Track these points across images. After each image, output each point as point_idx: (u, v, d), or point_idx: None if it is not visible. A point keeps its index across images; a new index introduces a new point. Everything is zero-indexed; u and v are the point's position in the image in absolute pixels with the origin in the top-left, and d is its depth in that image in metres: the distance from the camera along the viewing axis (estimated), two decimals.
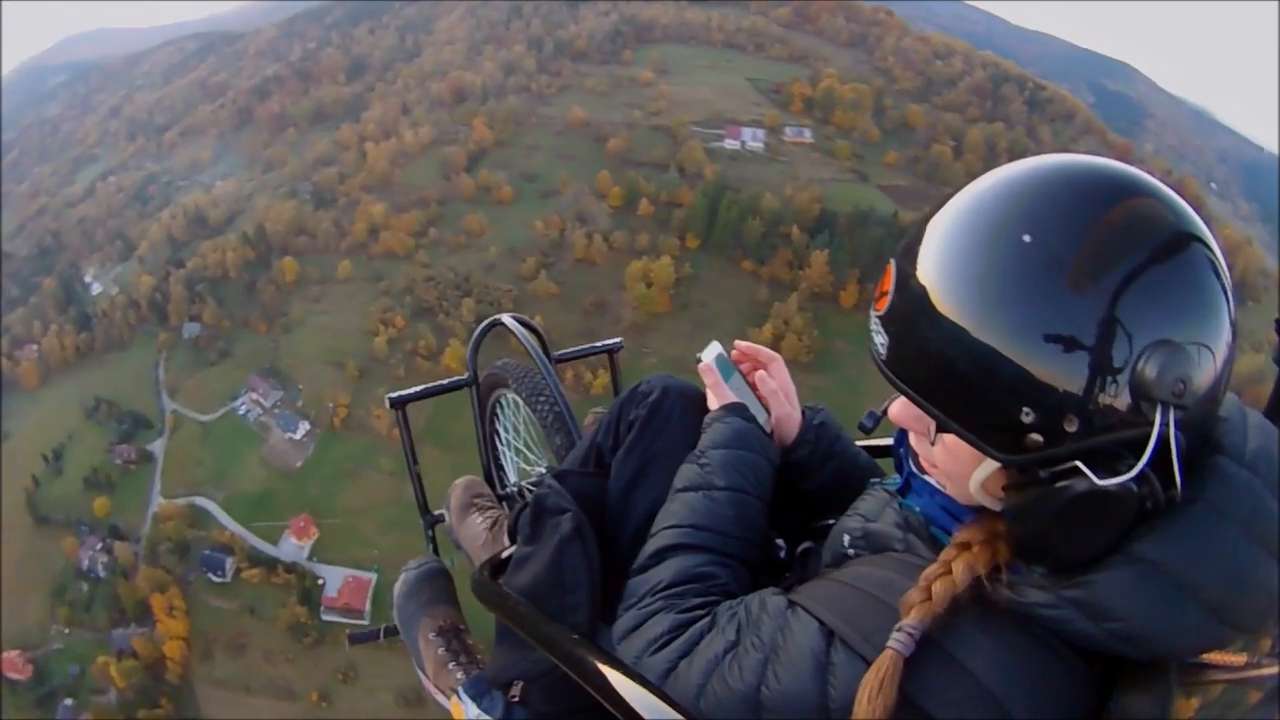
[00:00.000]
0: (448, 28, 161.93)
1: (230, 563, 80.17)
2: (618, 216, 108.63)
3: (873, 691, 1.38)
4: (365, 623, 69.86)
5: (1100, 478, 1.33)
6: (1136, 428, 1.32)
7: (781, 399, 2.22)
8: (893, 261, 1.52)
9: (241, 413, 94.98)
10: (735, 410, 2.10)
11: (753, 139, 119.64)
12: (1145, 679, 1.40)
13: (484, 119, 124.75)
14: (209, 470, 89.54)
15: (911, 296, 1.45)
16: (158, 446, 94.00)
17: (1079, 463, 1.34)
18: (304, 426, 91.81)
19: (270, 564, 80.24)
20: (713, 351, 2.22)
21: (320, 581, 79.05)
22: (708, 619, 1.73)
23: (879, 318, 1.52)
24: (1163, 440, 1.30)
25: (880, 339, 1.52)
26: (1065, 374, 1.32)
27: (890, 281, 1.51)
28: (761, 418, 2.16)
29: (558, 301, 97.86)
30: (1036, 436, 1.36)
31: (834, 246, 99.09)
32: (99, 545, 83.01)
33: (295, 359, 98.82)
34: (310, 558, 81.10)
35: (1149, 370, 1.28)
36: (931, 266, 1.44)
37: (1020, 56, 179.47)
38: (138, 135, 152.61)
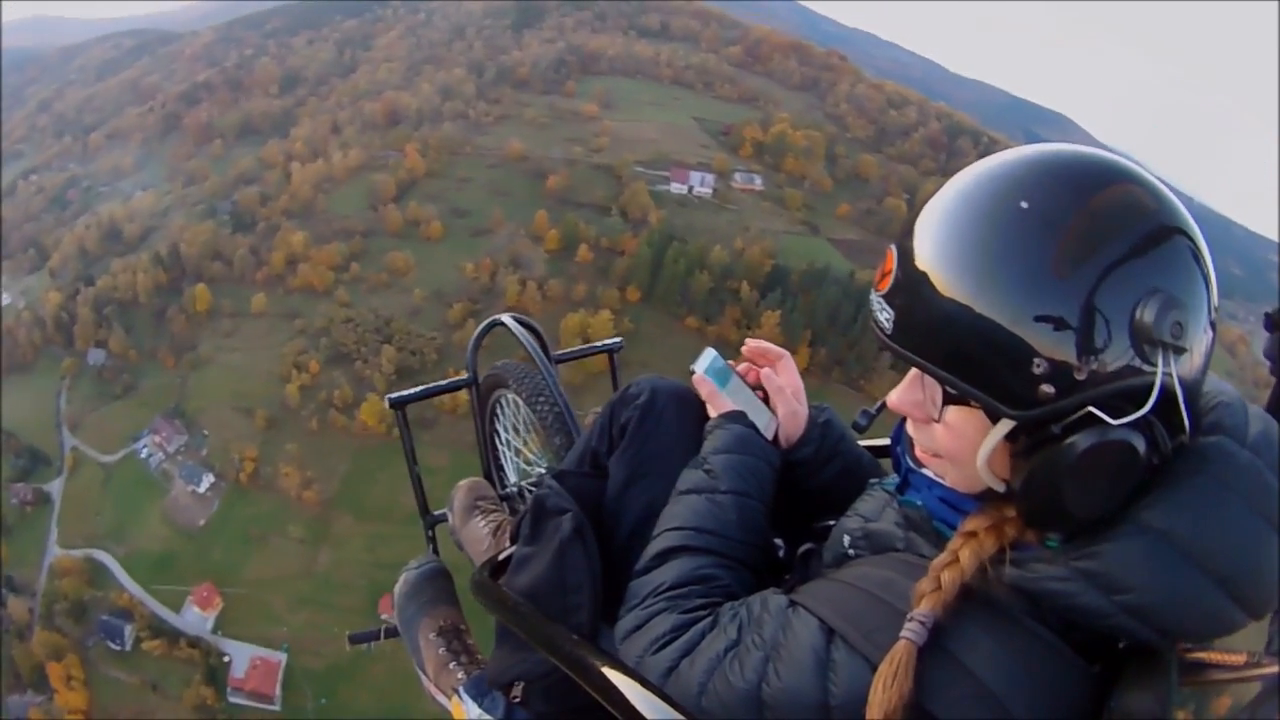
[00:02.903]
0: (386, 45, 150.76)
1: (130, 630, 71.50)
2: (554, 262, 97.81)
3: (887, 680, 1.37)
4: (276, 709, 68.12)
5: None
6: (1140, 375, 1.33)
7: (788, 396, 2.15)
8: (893, 245, 1.52)
9: (143, 456, 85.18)
10: (734, 418, 2.05)
11: (701, 184, 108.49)
12: (1145, 677, 1.38)
13: (417, 145, 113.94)
14: (108, 521, 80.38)
15: (914, 270, 1.45)
16: (56, 488, 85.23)
17: (1092, 408, 1.34)
18: (208, 479, 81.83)
19: (172, 635, 71.18)
20: (706, 359, 2.13)
21: (226, 659, 70.60)
22: (710, 619, 1.70)
23: (882, 296, 1.51)
24: (1165, 388, 1.32)
25: (885, 315, 1.50)
26: (1071, 320, 1.32)
27: (892, 261, 1.51)
28: (764, 420, 2.09)
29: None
30: (1048, 388, 1.35)
31: (786, 306, 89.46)
32: None
33: (202, 400, 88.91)
34: (215, 630, 72.17)
35: (1147, 314, 1.30)
36: (932, 240, 1.44)
37: (955, 103, 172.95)
38: (64, 133, 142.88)
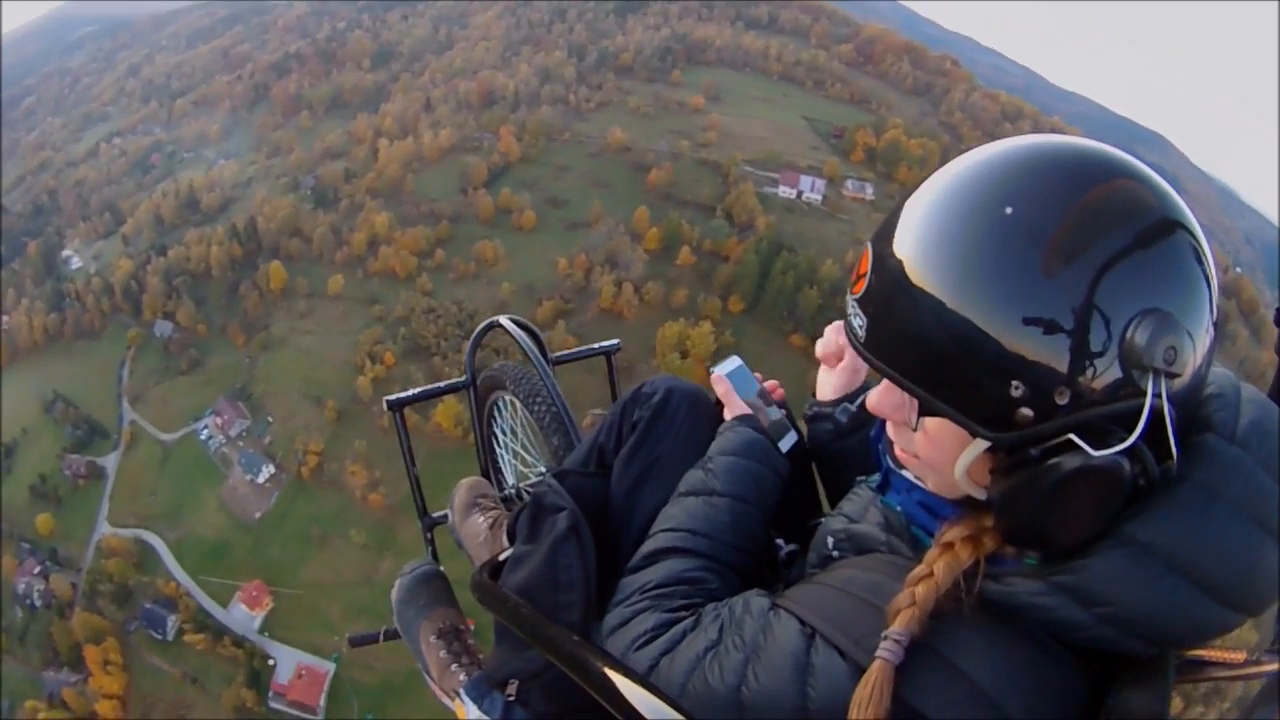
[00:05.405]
0: (484, 23, 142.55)
1: (173, 621, 68.06)
2: (654, 263, 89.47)
3: (863, 702, 1.32)
4: (318, 719, 64.34)
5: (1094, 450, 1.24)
6: (1128, 399, 1.25)
7: (847, 363, 2.12)
8: (869, 244, 1.43)
9: (203, 437, 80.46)
10: (747, 420, 2.02)
11: (811, 189, 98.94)
12: (1144, 675, 1.33)
13: (512, 129, 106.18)
14: (162, 503, 76.27)
15: (890, 274, 1.35)
16: (110, 462, 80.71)
17: (1072, 435, 1.25)
18: (268, 470, 76.47)
19: (217, 631, 67.20)
20: (730, 364, 2.12)
21: (271, 662, 66.24)
22: (691, 619, 1.68)
23: (856, 300, 1.42)
24: (1155, 411, 1.23)
25: (858, 321, 1.42)
26: (1053, 344, 1.24)
27: (867, 263, 1.41)
28: (781, 431, 2.04)
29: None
30: (1026, 411, 1.26)
31: None
32: (37, 569, 71.91)
33: (269, 384, 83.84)
34: (261, 631, 67.75)
35: (1139, 337, 1.21)
36: (910, 243, 1.34)
37: (1056, 116, 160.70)
38: (151, 98, 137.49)
